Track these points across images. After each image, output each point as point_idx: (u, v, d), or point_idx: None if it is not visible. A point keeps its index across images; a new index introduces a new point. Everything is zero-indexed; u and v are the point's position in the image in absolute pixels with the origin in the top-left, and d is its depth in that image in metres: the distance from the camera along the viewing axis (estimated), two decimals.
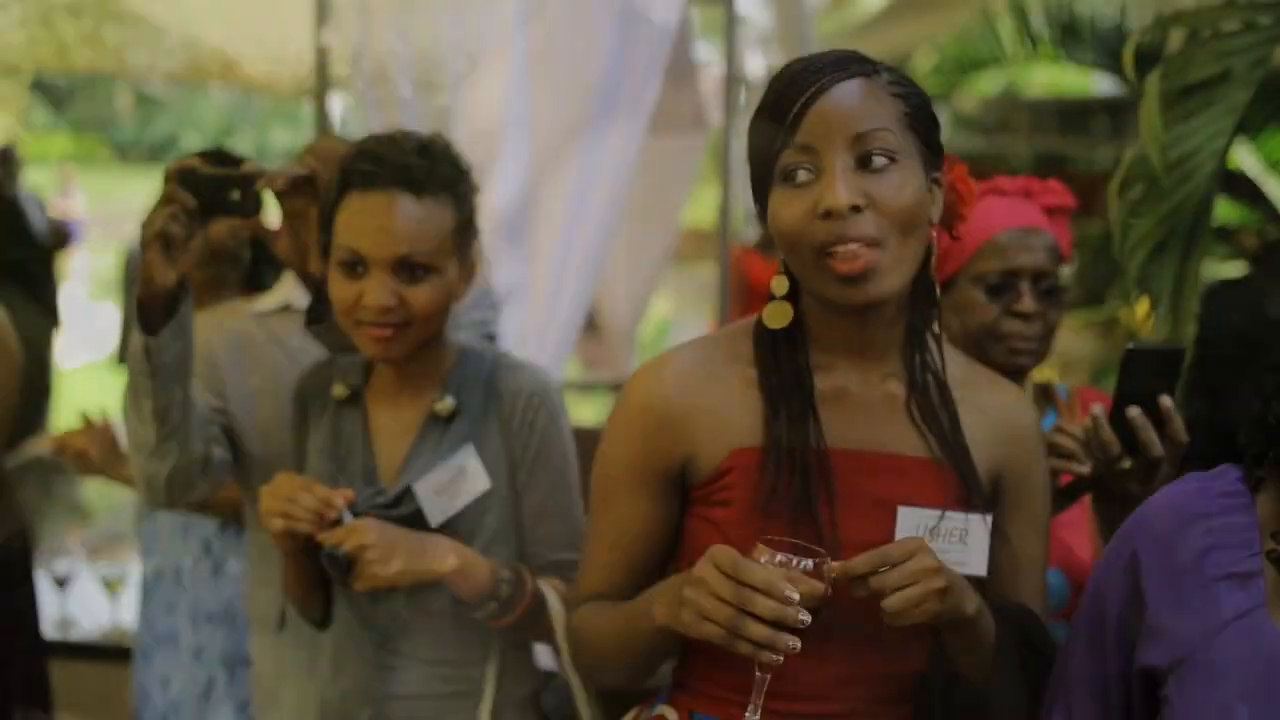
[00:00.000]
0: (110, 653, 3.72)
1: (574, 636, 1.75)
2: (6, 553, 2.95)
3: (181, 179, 1.89)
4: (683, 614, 1.44)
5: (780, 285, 1.62)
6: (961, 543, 1.58)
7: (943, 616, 1.49)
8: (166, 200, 1.89)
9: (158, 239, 1.87)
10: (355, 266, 1.90)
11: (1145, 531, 1.44)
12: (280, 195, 2.06)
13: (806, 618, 1.37)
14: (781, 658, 1.39)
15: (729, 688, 1.59)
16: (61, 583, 4.02)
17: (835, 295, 1.54)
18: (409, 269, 1.90)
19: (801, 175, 1.52)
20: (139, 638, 3.00)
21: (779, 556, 1.39)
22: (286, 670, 2.28)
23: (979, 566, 1.59)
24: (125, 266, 8.75)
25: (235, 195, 1.92)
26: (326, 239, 1.95)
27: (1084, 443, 1.87)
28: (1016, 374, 2.08)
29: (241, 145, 17.80)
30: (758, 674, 1.42)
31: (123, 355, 8.96)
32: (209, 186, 1.91)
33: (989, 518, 1.60)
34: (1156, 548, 1.42)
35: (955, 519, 1.58)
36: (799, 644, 1.38)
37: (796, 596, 1.37)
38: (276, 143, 23.07)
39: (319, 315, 2.09)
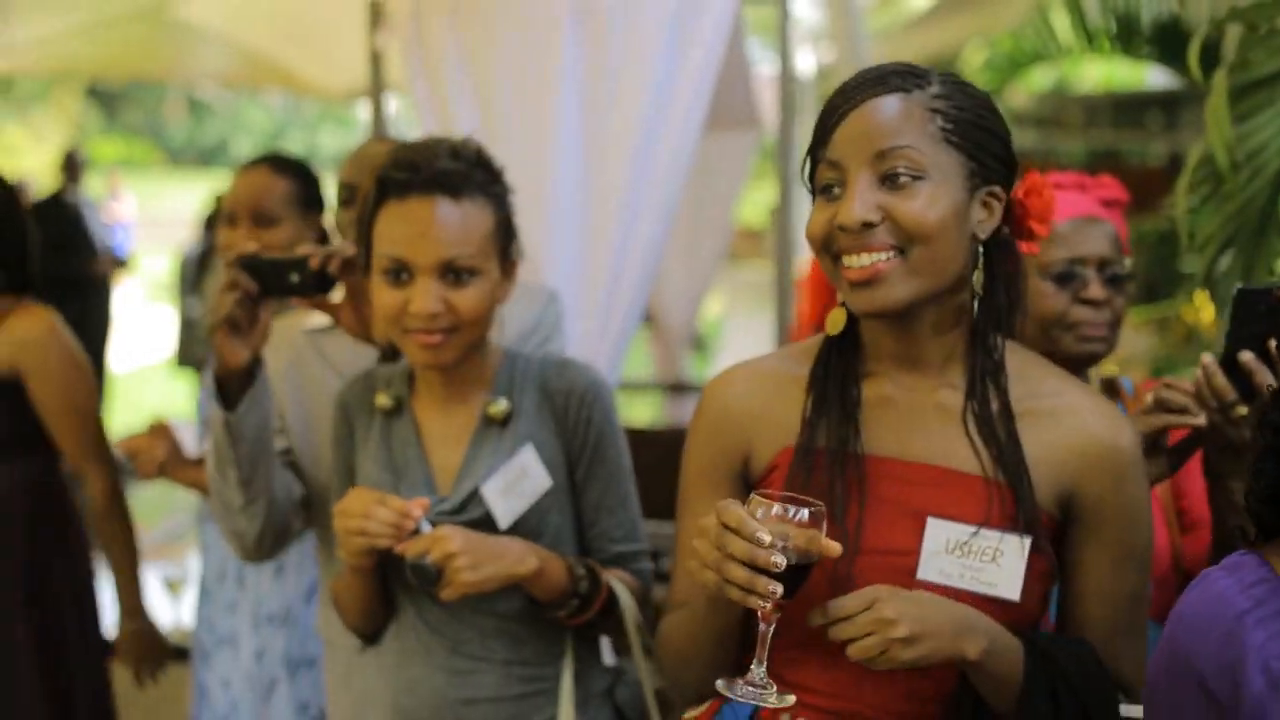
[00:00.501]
0: (172, 653, 3.75)
1: (659, 646, 1.76)
2: (70, 554, 2.99)
3: (243, 265, 2.00)
4: (690, 564, 1.48)
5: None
6: (994, 563, 1.55)
7: (919, 662, 1.47)
8: (230, 286, 1.99)
9: (225, 323, 1.98)
10: (399, 274, 1.90)
11: (1203, 653, 1.36)
12: (336, 275, 2.11)
13: (780, 559, 1.38)
14: (769, 603, 1.41)
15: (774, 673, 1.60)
16: None
17: (849, 300, 1.57)
18: (453, 273, 1.90)
19: (836, 190, 1.56)
20: (199, 638, 3.01)
21: (775, 508, 1.43)
22: (368, 692, 2.25)
23: (1011, 590, 1.55)
24: (180, 270, 8.85)
25: (294, 278, 2.05)
26: (366, 250, 1.95)
27: (1195, 394, 1.84)
28: (1088, 362, 2.08)
29: (291, 148, 17.91)
30: (761, 627, 1.45)
31: (180, 359, 9.06)
32: (269, 271, 2.03)
33: (1027, 540, 1.55)
34: (1219, 661, 1.34)
35: (989, 537, 1.55)
36: (779, 588, 1.39)
37: (767, 539, 1.39)
38: (326, 146, 23.26)
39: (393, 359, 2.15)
